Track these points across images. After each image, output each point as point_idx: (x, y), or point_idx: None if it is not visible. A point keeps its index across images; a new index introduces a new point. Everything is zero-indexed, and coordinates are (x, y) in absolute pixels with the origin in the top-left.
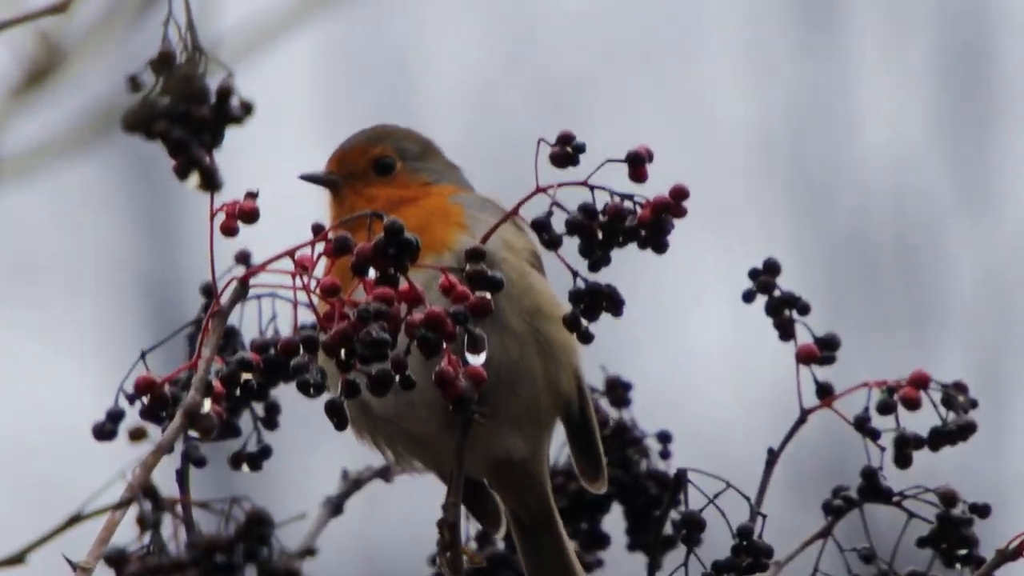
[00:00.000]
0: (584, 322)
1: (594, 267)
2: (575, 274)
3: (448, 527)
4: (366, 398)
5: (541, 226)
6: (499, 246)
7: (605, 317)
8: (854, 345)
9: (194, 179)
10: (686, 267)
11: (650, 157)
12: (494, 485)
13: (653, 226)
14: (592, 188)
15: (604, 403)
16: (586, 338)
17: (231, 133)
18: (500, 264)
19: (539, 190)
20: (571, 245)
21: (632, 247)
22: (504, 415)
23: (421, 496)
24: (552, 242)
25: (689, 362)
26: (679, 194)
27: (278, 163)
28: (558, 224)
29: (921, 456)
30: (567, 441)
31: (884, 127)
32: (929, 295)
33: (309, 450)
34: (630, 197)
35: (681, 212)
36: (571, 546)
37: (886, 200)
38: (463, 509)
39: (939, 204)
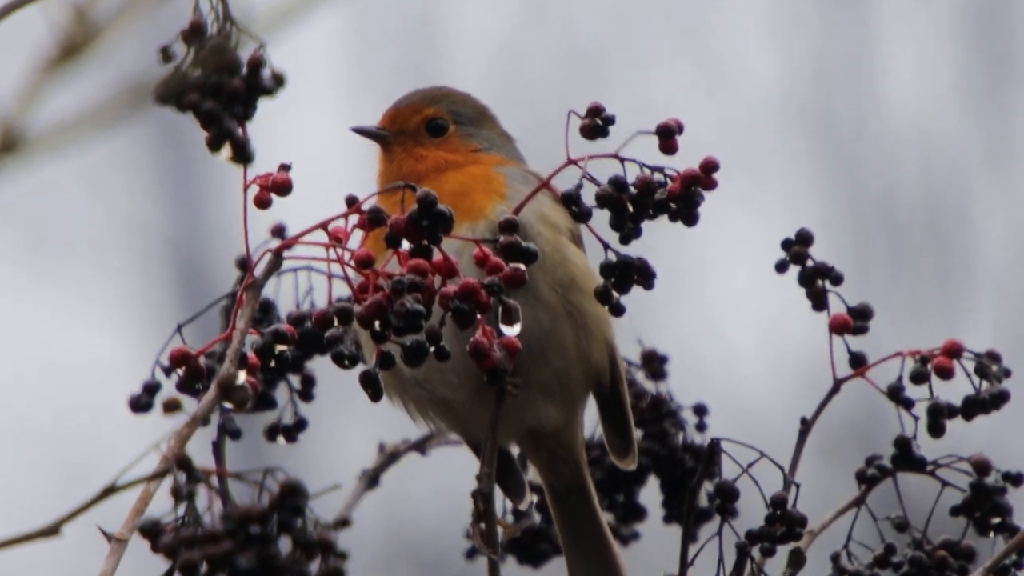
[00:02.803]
0: (615, 295)
1: (625, 239)
2: (606, 247)
3: (482, 498)
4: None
5: (571, 199)
6: (535, 219)
7: (638, 290)
8: (886, 314)
9: (226, 151)
10: (716, 235)
11: (680, 129)
12: (528, 454)
13: (683, 199)
14: (623, 160)
15: (640, 376)
16: (617, 311)
17: (263, 105)
18: (535, 237)
19: (570, 162)
20: (604, 217)
21: (663, 219)
22: (535, 385)
23: (456, 468)
24: (581, 215)
25: (723, 333)
26: (709, 167)
27: (309, 134)
28: (588, 197)
29: (954, 426)
30: (599, 416)
31: (912, 89)
32: (960, 263)
33: (345, 422)
34: (660, 169)
35: (711, 184)
36: (604, 516)
37: (915, 165)
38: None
39: (968, 168)
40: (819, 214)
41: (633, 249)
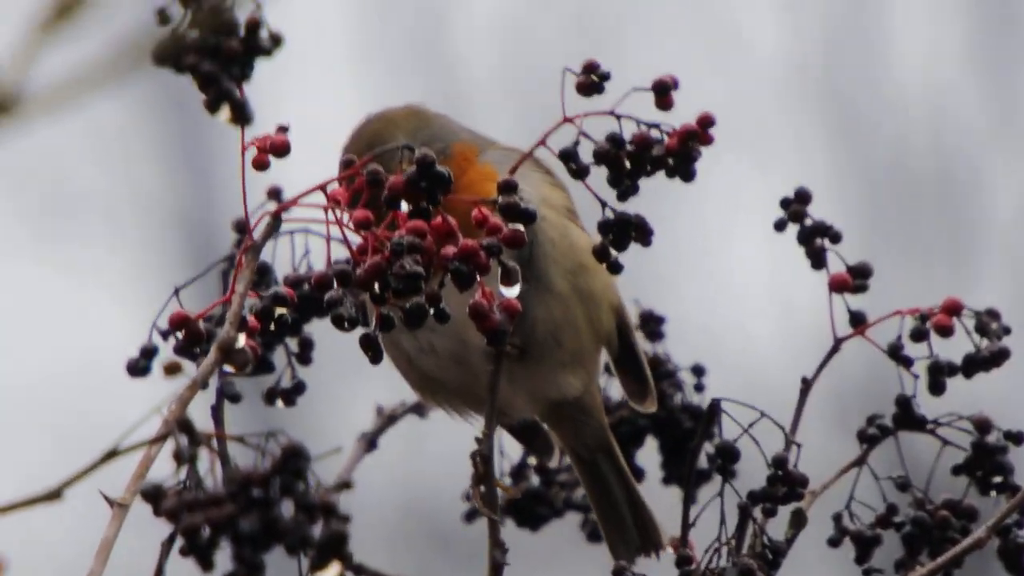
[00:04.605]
0: (613, 253)
1: (623, 197)
2: (604, 204)
3: (482, 460)
4: (422, 366)
5: (568, 156)
6: (539, 203)
7: (637, 249)
8: (891, 275)
9: (224, 112)
10: (720, 198)
11: (676, 85)
12: (551, 426)
13: (680, 154)
14: (619, 117)
15: (638, 337)
16: (615, 268)
17: (261, 66)
18: (540, 222)
19: (566, 120)
20: (600, 177)
21: (660, 177)
22: (552, 362)
23: (455, 431)
24: (579, 172)
25: (723, 294)
26: (706, 122)
27: (309, 96)
28: (585, 155)
29: (956, 386)
30: (612, 367)
31: (921, 54)
32: (966, 224)
33: (343, 386)
34: (656, 126)
35: (708, 140)
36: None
37: (923, 128)
38: (497, 441)
39: (976, 132)
40: (828, 177)
41: (636, 209)
